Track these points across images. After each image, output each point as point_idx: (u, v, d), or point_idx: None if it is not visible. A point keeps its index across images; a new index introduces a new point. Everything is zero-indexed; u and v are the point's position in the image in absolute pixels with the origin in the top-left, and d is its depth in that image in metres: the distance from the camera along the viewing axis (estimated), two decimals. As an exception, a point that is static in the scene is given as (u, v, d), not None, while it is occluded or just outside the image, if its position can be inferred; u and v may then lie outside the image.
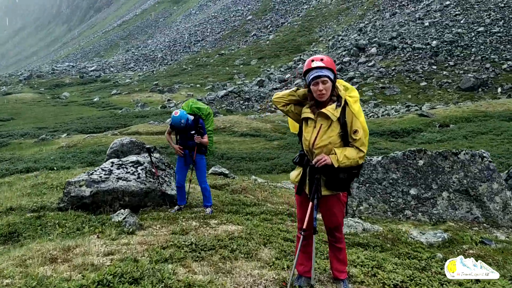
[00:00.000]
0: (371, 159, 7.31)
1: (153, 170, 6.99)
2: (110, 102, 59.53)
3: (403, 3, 75.60)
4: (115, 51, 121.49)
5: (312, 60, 3.34)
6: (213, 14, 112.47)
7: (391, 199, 6.82)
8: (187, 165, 6.73)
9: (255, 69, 73.20)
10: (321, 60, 3.31)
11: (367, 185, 7.03)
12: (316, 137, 3.26)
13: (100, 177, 6.38)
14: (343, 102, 3.30)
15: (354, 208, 6.84)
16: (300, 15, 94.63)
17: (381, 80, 51.54)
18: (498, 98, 40.93)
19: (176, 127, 6.47)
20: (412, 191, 6.71)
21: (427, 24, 62.00)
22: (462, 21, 60.30)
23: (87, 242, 3.94)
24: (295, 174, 3.56)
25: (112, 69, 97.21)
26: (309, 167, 3.35)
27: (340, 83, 3.42)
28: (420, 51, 55.65)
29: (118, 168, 6.76)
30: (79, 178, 6.30)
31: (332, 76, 3.31)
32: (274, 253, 3.93)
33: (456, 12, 62.99)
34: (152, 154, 7.44)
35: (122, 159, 7.33)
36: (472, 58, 51.23)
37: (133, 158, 7.33)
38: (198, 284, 2.82)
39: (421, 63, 53.69)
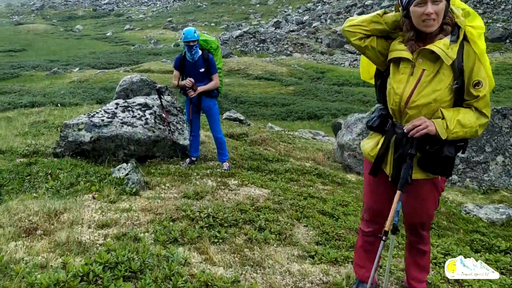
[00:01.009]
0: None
1: (164, 115, 6.04)
2: (123, 38, 58.16)
3: None
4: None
5: None
6: None
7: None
8: (198, 111, 5.74)
9: (272, 9, 70.32)
10: None
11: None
12: (413, 90, 2.15)
13: (102, 120, 5.46)
14: (461, 36, 2.18)
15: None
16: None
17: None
18: (529, 51, 38.71)
19: (187, 45, 5.35)
20: (460, 153, 5.91)
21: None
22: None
23: (79, 205, 3.20)
24: (371, 145, 2.43)
25: (125, 3, 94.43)
26: (395, 136, 2.28)
27: (457, 5, 2.27)
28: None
29: (123, 111, 5.79)
30: (78, 121, 5.41)
31: None
32: (313, 235, 3.13)
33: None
34: (162, 96, 6.45)
35: (128, 100, 6.30)
36: (503, 6, 48.08)
37: (140, 99, 6.31)
38: (219, 285, 2.05)
39: (446, 9, 50.68)
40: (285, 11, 66.80)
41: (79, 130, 5.27)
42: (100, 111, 5.79)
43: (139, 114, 5.85)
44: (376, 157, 2.35)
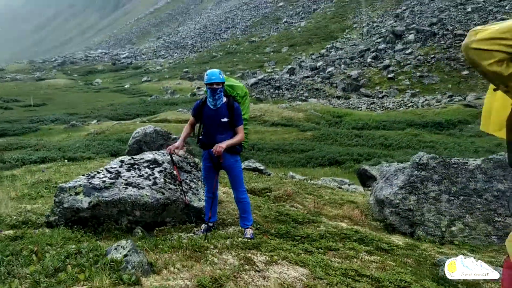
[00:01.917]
0: (467, 163, 5.48)
1: (175, 172, 5.26)
2: (140, 89, 59.22)
3: (443, -13, 71.74)
4: (146, 38, 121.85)
5: None
6: (244, 1, 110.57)
7: (497, 218, 5.01)
8: (217, 169, 4.85)
9: (286, 56, 71.29)
10: None
11: (462, 198, 5.20)
12: None
13: (104, 182, 4.75)
14: None
15: (444, 229, 5.07)
16: (333, 1, 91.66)
17: (419, 69, 48.80)
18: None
19: (211, 88, 4.56)
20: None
21: (469, 9, 58.33)
22: (507, 7, 56.55)
23: (58, 306, 2.44)
24: None
25: (143, 56, 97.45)
26: None
27: None
28: (462, 38, 52.06)
29: (128, 170, 5.09)
30: (75, 183, 4.72)
31: None
32: None
33: (500, -3, 59.19)
34: (173, 154, 5.62)
35: (135, 157, 5.63)
36: None
37: (149, 155, 5.64)
38: None
39: (464, 50, 50.41)
40: (299, 58, 67.59)
41: (76, 194, 4.55)
42: (102, 170, 5.09)
43: (146, 172, 5.14)
44: None
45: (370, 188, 10.15)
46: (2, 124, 27.79)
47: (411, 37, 56.03)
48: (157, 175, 5.14)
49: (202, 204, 5.22)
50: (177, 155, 5.70)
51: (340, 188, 9.03)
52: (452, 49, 51.20)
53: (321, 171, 15.01)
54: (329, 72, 54.16)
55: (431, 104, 34.13)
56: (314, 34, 76.44)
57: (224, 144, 4.53)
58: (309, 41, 74.37)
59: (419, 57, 50.93)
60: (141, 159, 5.49)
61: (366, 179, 10.99)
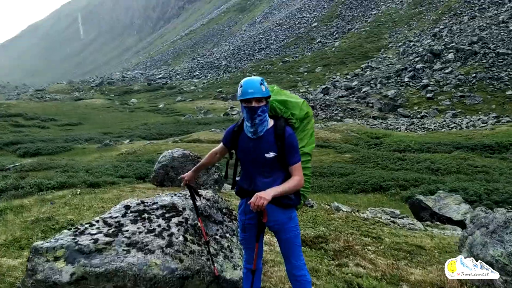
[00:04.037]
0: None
1: (199, 224, 3.77)
2: (174, 109, 59.73)
3: (483, 6, 69.62)
4: (181, 59, 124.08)
5: None
6: (278, 22, 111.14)
7: None
8: (261, 229, 3.23)
9: (320, 76, 70.51)
10: None
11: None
12: None
13: (95, 241, 3.34)
14: None
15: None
16: (368, 21, 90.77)
17: (460, 89, 47.08)
18: None
19: (247, 107, 3.10)
20: None
21: (512, 27, 56.30)
22: (551, 24, 54.31)
23: None
24: None
25: (178, 76, 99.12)
26: None
27: None
28: (506, 56, 50.45)
29: (134, 221, 3.64)
30: (55, 242, 3.33)
31: None
32: None
33: (545, 15, 56.93)
34: (197, 195, 3.85)
35: (146, 201, 4.05)
36: None
37: (165, 199, 4.07)
38: None
39: (507, 69, 48.58)
40: (333, 78, 66.76)
41: (55, 259, 3.18)
42: (98, 221, 3.65)
43: (159, 225, 3.65)
44: None
45: (427, 223, 9.04)
46: (37, 144, 28.06)
47: (451, 56, 54.34)
48: (174, 230, 3.64)
49: (238, 274, 3.71)
50: (203, 197, 4.18)
51: (394, 223, 7.99)
52: (495, 68, 49.29)
53: (364, 198, 13.89)
54: (364, 91, 52.96)
55: (476, 125, 32.34)
56: (348, 54, 75.56)
57: (268, 194, 2.94)
58: (344, 61, 73.46)
59: (460, 76, 49.20)
60: (154, 204, 3.98)
61: (420, 211, 9.89)
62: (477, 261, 4.24)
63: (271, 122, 3.21)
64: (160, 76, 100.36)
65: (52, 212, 6.65)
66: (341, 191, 15.40)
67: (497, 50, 51.23)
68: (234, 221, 4.22)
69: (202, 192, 4.23)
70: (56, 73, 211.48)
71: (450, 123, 35.34)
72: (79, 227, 3.59)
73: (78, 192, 8.32)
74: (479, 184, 14.58)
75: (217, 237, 3.95)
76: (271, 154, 3.10)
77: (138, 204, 3.93)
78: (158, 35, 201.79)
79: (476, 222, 4.72)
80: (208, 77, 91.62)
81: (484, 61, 50.68)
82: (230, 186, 3.56)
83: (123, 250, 3.34)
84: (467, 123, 34.77)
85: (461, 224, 9.10)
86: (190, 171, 3.64)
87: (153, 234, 3.56)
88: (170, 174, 7.95)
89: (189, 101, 66.62)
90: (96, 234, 3.46)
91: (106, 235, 3.45)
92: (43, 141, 30.09)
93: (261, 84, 3.16)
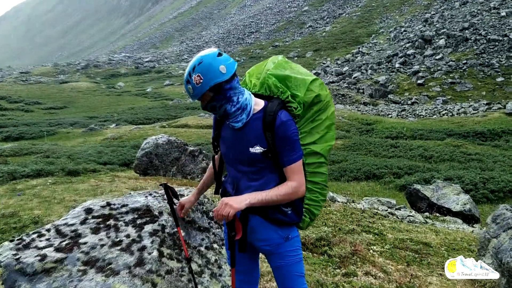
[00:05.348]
0: None
1: (179, 235, 2.95)
2: (162, 93, 58.76)
3: (475, -9, 69.29)
4: (170, 42, 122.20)
5: None
6: (268, 5, 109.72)
7: None
8: (255, 253, 2.56)
9: (310, 61, 69.82)
10: None
11: None
12: None
13: (43, 258, 2.57)
14: None
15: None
16: (359, 6, 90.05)
17: (451, 75, 46.88)
18: None
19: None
20: None
21: (503, 14, 56.11)
22: (543, 11, 54.26)
23: None
24: None
25: (166, 60, 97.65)
26: None
27: None
28: (496, 43, 50.25)
29: (96, 230, 2.84)
30: None
31: None
32: None
33: (538, 1, 56.79)
34: (176, 196, 2.90)
35: (113, 202, 3.19)
36: None
37: (138, 200, 3.24)
38: None
39: (498, 56, 48.39)
40: (324, 63, 66.16)
41: None
42: (50, 230, 2.83)
43: (128, 236, 2.84)
44: None
45: (426, 214, 8.61)
46: (20, 127, 27.15)
47: (442, 42, 54.03)
48: (146, 241, 2.82)
49: None
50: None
51: (392, 214, 7.52)
52: (485, 54, 49.12)
53: (358, 186, 13.44)
54: (355, 77, 52.51)
55: (467, 112, 32.13)
56: (339, 39, 74.91)
57: (239, 202, 2.15)
58: (334, 46, 72.83)
59: (451, 62, 48.96)
60: (123, 206, 3.12)
61: (417, 201, 9.45)
62: (507, 269, 3.73)
63: (260, 104, 2.31)
64: (147, 59, 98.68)
65: (18, 206, 5.96)
66: (334, 179, 14.94)
67: (488, 37, 51.00)
68: (220, 230, 3.42)
69: (184, 191, 3.40)
70: (41, 55, 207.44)
71: (441, 110, 35.12)
72: (25, 237, 2.78)
73: (52, 182, 7.65)
74: (475, 172, 14.26)
75: (202, 248, 3.13)
76: (258, 149, 2.24)
77: (102, 206, 3.08)
78: (145, 18, 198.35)
79: (501, 222, 4.10)
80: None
81: (475, 47, 50.47)
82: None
83: (78, 270, 2.53)
84: (458, 109, 34.58)
85: (460, 215, 8.73)
86: (190, 196, 2.78)
87: (119, 248, 2.73)
88: (154, 162, 7.34)
89: (178, 85, 65.59)
90: (44, 248, 2.65)
91: (57, 249, 2.65)
92: (27, 125, 29.18)
93: (188, 81, 2.24)
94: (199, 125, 28.04)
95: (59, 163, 10.29)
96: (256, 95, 2.40)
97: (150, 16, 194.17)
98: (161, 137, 7.56)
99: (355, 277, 4.17)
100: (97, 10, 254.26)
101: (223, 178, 2.59)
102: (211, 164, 2.71)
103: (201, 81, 2.19)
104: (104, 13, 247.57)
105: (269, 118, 2.22)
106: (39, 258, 2.59)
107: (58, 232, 2.84)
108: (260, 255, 2.65)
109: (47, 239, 2.78)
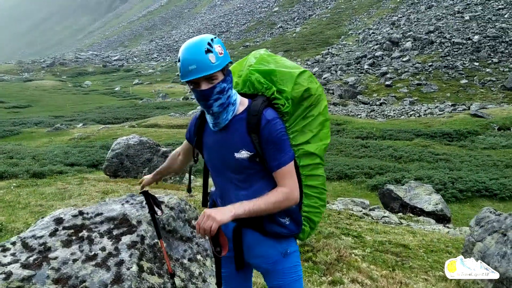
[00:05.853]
0: None
1: (160, 247, 2.75)
2: (131, 92, 57.59)
3: (440, -4, 71.37)
4: (139, 41, 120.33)
5: None
6: (238, 5, 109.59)
7: None
8: (249, 270, 2.29)
9: (281, 62, 70.11)
10: None
11: None
12: None
13: (8, 277, 2.29)
14: None
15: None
16: (329, 8, 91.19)
17: (417, 77, 48.06)
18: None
19: (193, 85, 1.95)
20: None
21: (467, 18, 57.94)
22: (506, 16, 56.33)
23: None
24: None
25: (135, 59, 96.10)
26: None
27: None
28: (460, 46, 51.83)
29: (67, 243, 2.57)
30: None
31: None
32: None
33: (500, 6, 58.93)
34: (157, 203, 2.60)
35: (86, 211, 2.88)
36: (518, 54, 47.22)
37: (114, 207, 2.94)
38: None
39: (462, 59, 49.90)
40: (294, 64, 66.61)
41: None
42: (15, 243, 2.54)
43: (103, 249, 2.57)
44: None
45: (400, 214, 8.67)
46: (-19, 127, 26.02)
47: (408, 44, 55.31)
48: (124, 255, 2.55)
49: None
50: (166, 206, 3.03)
51: (367, 215, 7.52)
52: (450, 57, 50.57)
53: (330, 186, 13.47)
54: (325, 78, 53.01)
55: (434, 113, 32.96)
56: (309, 40, 75.57)
57: (223, 213, 1.88)
58: (304, 46, 73.39)
59: (417, 64, 50.17)
60: (97, 215, 2.82)
61: (390, 201, 9.52)
62: (500, 282, 3.68)
63: (244, 103, 2.07)
64: (116, 58, 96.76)
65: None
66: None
67: (453, 40, 52.52)
68: (206, 240, 3.12)
69: (164, 197, 3.10)
70: (5, 52, 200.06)
71: (408, 111, 35.88)
72: (-8, 250, 2.44)
73: (16, 185, 7.24)
74: (443, 172, 14.56)
75: (185, 261, 2.86)
76: (244, 154, 1.99)
77: (74, 216, 2.76)
78: (114, 15, 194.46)
79: (486, 226, 4.03)
80: (167, 60, 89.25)
81: (440, 50, 51.88)
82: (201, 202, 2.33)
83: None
84: (425, 110, 35.43)
85: (432, 215, 8.85)
86: (150, 175, 2.60)
87: (93, 263, 2.46)
88: (125, 163, 7.04)
89: (147, 84, 64.61)
90: (9, 264, 2.34)
91: (24, 265, 2.36)
92: (-12, 124, 27.98)
93: (209, 50, 1.90)
94: (169, 124, 27.61)
95: (24, 165, 9.82)
96: (239, 95, 2.15)
97: (119, 14, 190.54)
98: (133, 137, 7.25)
99: (341, 285, 4.02)
100: (65, 6, 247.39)
101: (209, 190, 2.34)
102: (173, 152, 2.49)
103: (223, 52, 1.96)
104: (70, 10, 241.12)
105: (253, 118, 1.99)
106: (3, 276, 2.31)
107: (25, 245, 2.54)
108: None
109: (12, 254, 2.48)
